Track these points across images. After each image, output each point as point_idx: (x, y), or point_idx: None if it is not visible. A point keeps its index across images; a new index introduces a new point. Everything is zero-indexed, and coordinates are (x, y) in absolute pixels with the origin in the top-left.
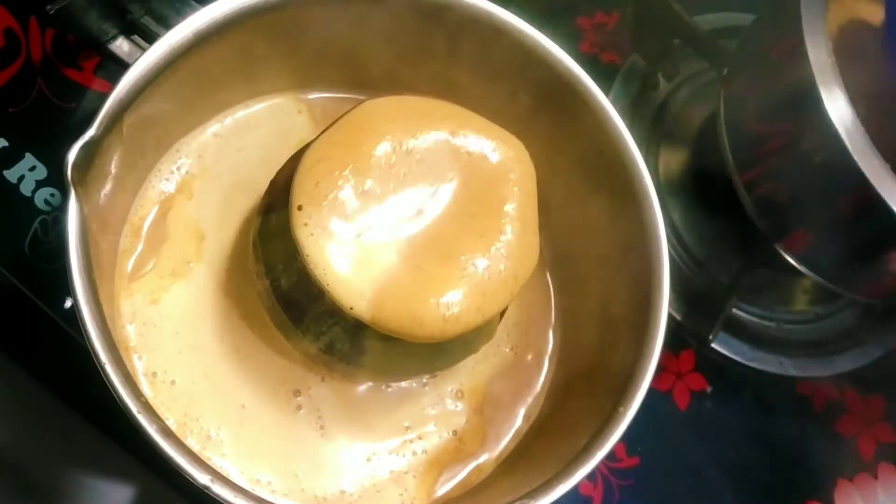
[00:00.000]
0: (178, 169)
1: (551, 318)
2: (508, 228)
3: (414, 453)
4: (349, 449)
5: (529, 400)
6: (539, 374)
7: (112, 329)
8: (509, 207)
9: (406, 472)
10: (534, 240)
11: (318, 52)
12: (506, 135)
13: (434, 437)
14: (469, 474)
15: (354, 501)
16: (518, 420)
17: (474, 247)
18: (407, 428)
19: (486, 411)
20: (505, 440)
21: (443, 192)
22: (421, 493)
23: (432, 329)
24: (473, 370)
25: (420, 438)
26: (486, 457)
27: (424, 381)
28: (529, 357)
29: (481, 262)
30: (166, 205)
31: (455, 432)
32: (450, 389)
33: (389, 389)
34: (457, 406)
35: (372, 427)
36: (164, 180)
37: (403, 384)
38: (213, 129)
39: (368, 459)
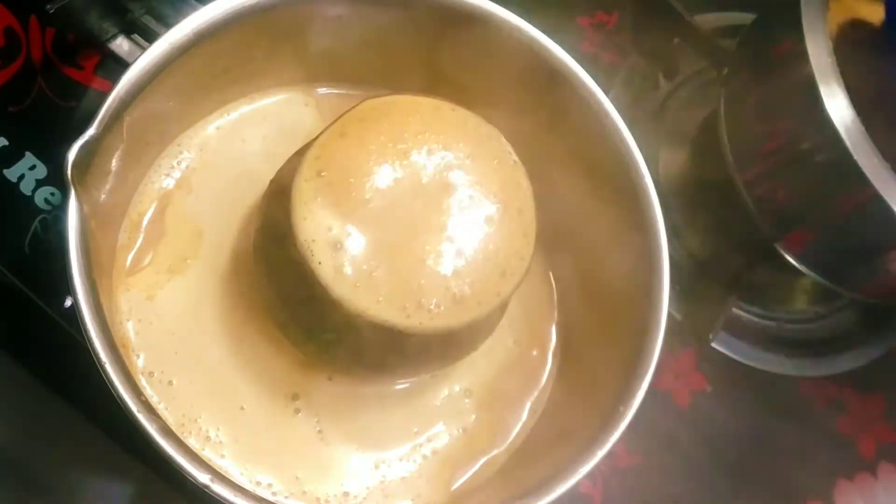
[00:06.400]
0: (178, 164)
1: (554, 314)
2: (505, 226)
3: (424, 457)
4: (353, 454)
5: (535, 394)
6: (543, 369)
7: (111, 327)
8: (503, 207)
9: (419, 477)
10: (529, 236)
11: (323, 49)
12: (498, 137)
13: (444, 435)
14: (482, 467)
15: None
16: (525, 414)
17: (472, 243)
18: (416, 433)
19: (495, 407)
20: (513, 434)
21: (440, 192)
22: (436, 495)
23: (432, 323)
24: (481, 366)
25: (429, 441)
26: (497, 451)
27: (428, 380)
28: (535, 352)
29: (479, 259)
30: (165, 200)
31: (465, 429)
32: (458, 387)
33: (392, 391)
34: (466, 403)
35: (377, 433)
36: (165, 175)
37: (406, 385)
38: (217, 122)
39: (377, 466)
